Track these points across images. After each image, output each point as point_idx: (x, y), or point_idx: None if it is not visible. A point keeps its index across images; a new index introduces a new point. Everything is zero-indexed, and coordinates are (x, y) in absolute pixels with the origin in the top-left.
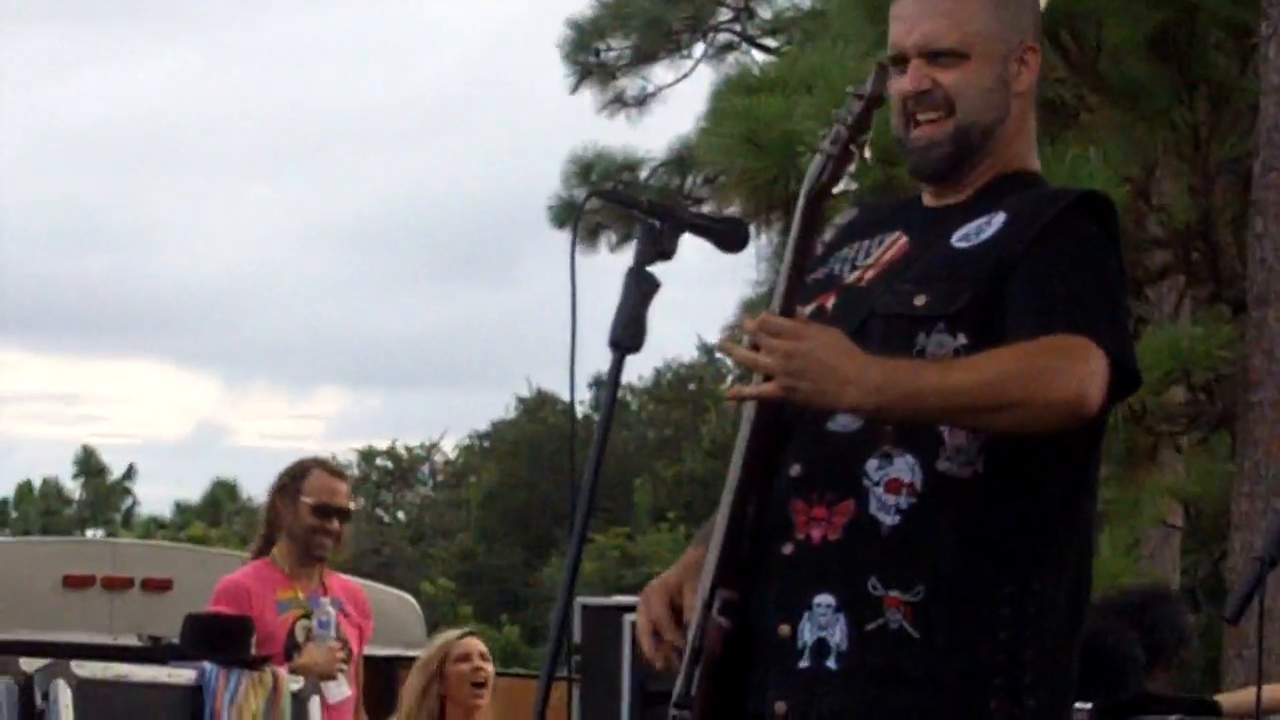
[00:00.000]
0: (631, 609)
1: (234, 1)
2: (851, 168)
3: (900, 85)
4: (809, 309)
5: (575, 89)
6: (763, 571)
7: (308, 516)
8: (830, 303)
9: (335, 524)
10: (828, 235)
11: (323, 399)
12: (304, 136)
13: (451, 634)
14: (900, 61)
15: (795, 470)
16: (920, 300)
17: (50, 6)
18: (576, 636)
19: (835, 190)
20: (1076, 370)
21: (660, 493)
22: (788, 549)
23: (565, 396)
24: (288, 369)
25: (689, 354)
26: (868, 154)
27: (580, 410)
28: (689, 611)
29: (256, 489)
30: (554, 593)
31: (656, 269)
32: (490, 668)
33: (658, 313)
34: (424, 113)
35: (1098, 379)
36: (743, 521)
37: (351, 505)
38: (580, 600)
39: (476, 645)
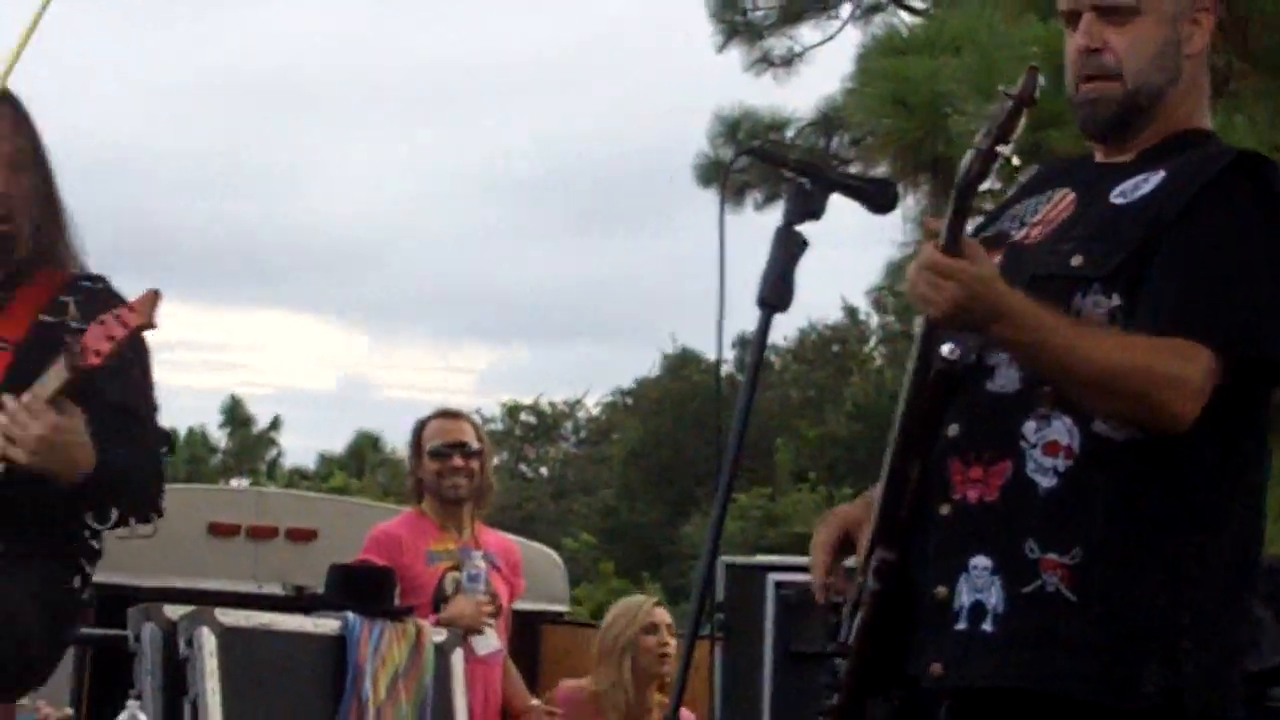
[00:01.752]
0: (775, 568)
1: None
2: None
3: (1073, 42)
4: None
5: (722, 48)
6: (920, 532)
7: (430, 463)
8: (997, 260)
9: (458, 460)
10: (1009, 192)
11: (472, 353)
12: (459, 84)
13: (641, 602)
14: (1074, 18)
15: (954, 430)
16: (1077, 260)
17: None
18: (720, 595)
19: (982, 188)
20: (1187, 386)
21: (803, 453)
22: (945, 510)
23: (709, 354)
24: (437, 321)
25: (834, 315)
26: (1015, 159)
27: (725, 369)
28: (860, 551)
29: (400, 442)
30: (695, 551)
31: (805, 228)
32: (673, 641)
33: (803, 273)
34: (576, 63)
35: (1200, 396)
36: (903, 481)
37: (474, 443)
38: (724, 559)
39: (664, 617)
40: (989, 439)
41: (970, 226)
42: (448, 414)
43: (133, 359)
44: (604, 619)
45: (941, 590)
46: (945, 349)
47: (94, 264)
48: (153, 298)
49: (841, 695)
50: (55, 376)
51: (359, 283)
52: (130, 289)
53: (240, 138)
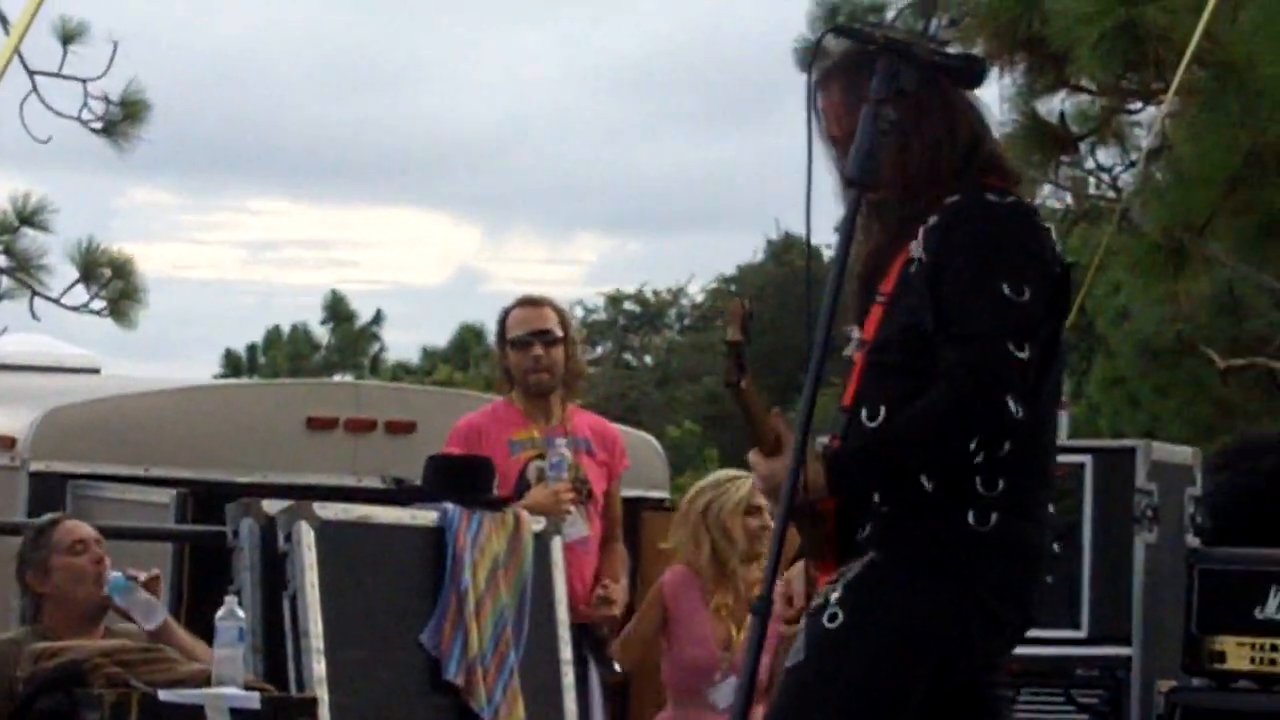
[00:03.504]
0: None
1: None
2: None
3: None
4: None
5: None
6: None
7: (512, 353)
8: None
9: (539, 349)
10: None
11: (581, 245)
12: None
13: (740, 481)
14: None
15: None
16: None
17: None
18: None
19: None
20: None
21: None
22: None
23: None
24: (547, 215)
25: None
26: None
27: (826, 253)
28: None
29: None
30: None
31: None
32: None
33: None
34: None
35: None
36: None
37: (558, 329)
38: (819, 439)
39: (762, 499)
40: None
41: None
42: (530, 301)
43: None
44: (693, 492)
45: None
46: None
47: (207, 162)
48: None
49: None
50: None
51: (473, 177)
52: (241, 188)
53: (359, 31)
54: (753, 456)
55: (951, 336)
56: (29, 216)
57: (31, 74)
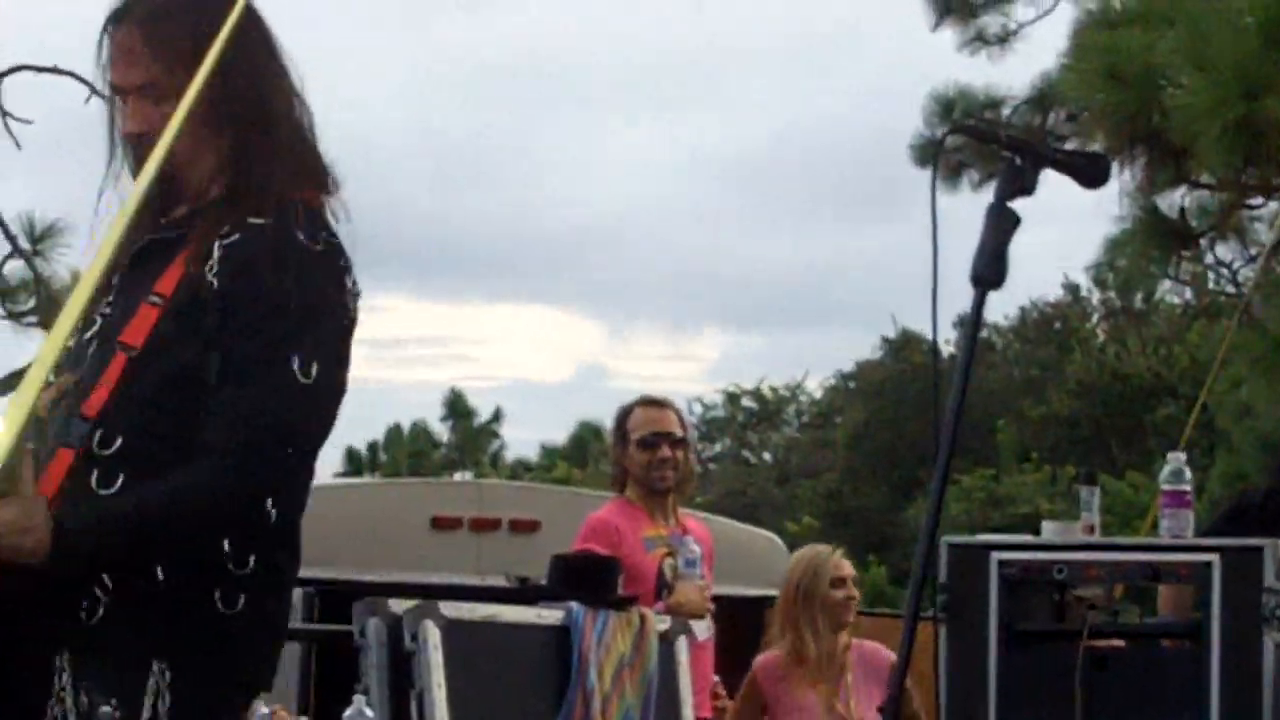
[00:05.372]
0: (998, 547)
1: None
2: None
3: None
4: None
5: (936, 26)
6: None
7: (637, 453)
8: None
9: (665, 451)
10: None
11: (704, 340)
12: (687, 71)
13: (825, 555)
14: None
15: None
16: None
17: None
18: (942, 576)
19: None
20: None
21: (1025, 433)
22: None
23: (930, 335)
24: (667, 309)
25: (1055, 293)
26: None
27: (945, 350)
28: None
29: None
30: (919, 534)
31: (1018, 204)
32: (858, 592)
33: (1023, 252)
34: (798, 48)
35: None
36: None
37: (679, 431)
38: (946, 538)
39: (848, 568)
40: None
41: None
42: (653, 402)
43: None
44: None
45: None
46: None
47: None
48: None
49: None
50: None
51: (593, 271)
52: (362, 279)
53: (477, 125)
54: None
55: None
56: None
57: None
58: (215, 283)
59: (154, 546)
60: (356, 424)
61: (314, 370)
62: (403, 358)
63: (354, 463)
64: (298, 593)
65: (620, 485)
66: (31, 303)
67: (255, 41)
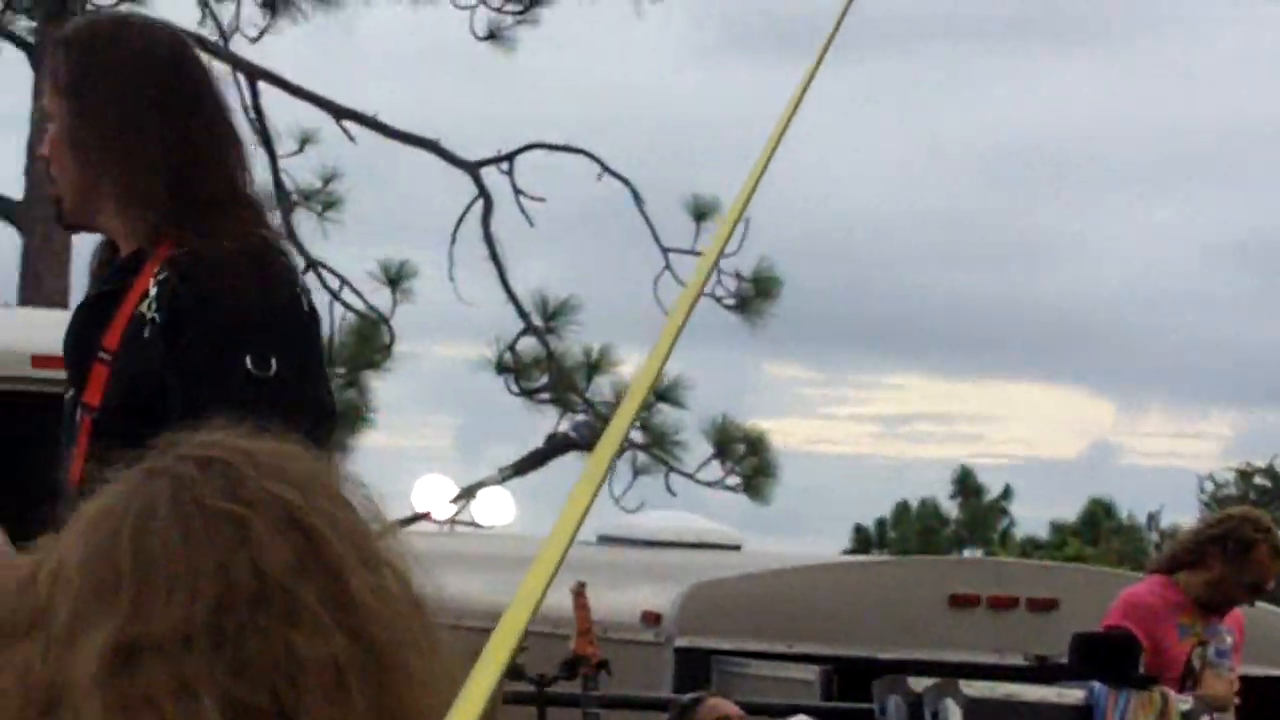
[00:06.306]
0: None
1: (1132, 16)
2: None
3: None
4: None
5: None
6: None
7: (1240, 591)
8: None
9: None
10: None
11: (1214, 418)
12: (1200, 151)
13: None
14: None
15: None
16: None
17: (945, 25)
18: None
19: None
20: None
21: None
22: None
23: None
24: (1180, 388)
25: None
26: None
27: None
28: None
29: (1137, 508)
30: None
31: None
32: None
33: None
34: None
35: None
36: None
37: None
38: None
39: None
40: None
41: None
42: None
43: None
44: None
45: None
46: None
47: (836, 335)
48: None
49: None
50: None
51: (1103, 351)
52: (871, 362)
53: (975, 204)
54: None
55: None
56: (665, 393)
57: (665, 251)
58: (156, 318)
59: None
60: (864, 501)
61: (273, 365)
62: (912, 434)
63: (861, 540)
64: (815, 669)
65: (1172, 567)
66: (544, 379)
67: (152, 84)
